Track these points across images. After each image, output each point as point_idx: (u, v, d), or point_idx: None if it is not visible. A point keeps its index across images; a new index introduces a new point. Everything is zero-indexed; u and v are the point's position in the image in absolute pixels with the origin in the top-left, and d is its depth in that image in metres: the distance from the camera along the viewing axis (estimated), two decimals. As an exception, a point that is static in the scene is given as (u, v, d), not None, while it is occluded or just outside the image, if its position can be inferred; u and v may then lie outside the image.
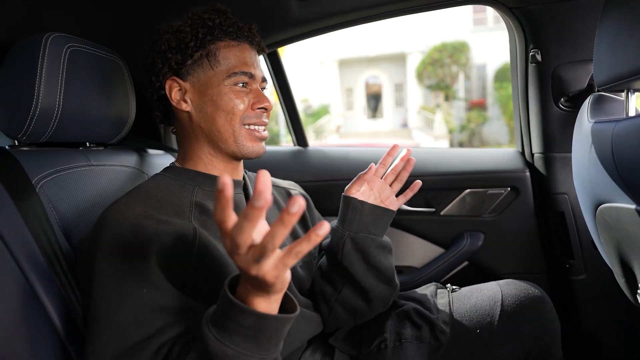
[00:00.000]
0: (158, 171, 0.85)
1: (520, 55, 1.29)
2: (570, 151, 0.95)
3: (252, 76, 0.79)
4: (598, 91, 0.88)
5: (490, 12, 14.50)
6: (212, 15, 0.78)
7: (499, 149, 1.56)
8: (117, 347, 0.57)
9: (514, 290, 0.90)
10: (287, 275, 0.50)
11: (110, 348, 0.57)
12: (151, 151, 1.17)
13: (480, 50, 14.87)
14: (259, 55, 0.86)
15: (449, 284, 1.00)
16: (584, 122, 0.87)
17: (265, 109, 0.80)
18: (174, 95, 0.79)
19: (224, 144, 0.78)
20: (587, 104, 0.89)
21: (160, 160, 1.15)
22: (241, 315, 0.50)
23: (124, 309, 0.59)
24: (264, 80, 0.84)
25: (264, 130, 0.82)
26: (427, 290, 0.99)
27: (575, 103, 1.23)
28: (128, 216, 0.64)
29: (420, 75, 16.43)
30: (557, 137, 1.28)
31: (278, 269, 0.46)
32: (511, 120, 10.12)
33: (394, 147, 0.91)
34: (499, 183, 1.40)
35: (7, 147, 0.81)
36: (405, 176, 0.91)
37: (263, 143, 0.82)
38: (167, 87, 0.79)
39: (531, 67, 1.26)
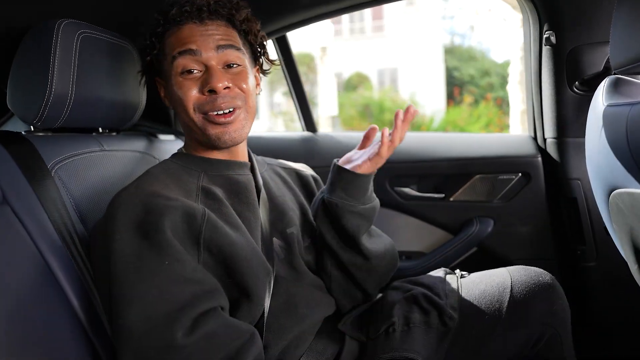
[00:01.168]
0: (168, 156, 0.86)
1: (534, 37, 1.26)
2: (583, 136, 0.94)
3: (194, 52, 0.72)
4: (614, 74, 0.87)
5: (345, 22, 13.91)
6: (165, 8, 0.75)
7: (511, 134, 1.54)
8: (147, 321, 0.58)
9: (524, 276, 0.90)
10: None
11: (140, 322, 0.58)
12: (162, 137, 1.19)
13: (336, 60, 14.29)
14: (234, 21, 0.77)
15: (457, 270, 1.00)
16: (598, 105, 0.85)
17: (215, 90, 0.71)
18: (162, 93, 0.83)
19: (197, 136, 0.77)
20: (602, 86, 0.87)
21: (171, 145, 1.17)
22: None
23: (149, 283, 0.60)
24: (224, 48, 0.74)
25: (231, 112, 0.74)
26: (436, 275, 0.99)
27: (591, 86, 1.20)
28: (139, 196, 0.66)
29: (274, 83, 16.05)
30: (570, 122, 1.26)
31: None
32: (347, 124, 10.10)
33: (372, 128, 0.92)
34: (509, 168, 1.39)
35: (23, 132, 0.83)
36: (401, 131, 0.84)
37: (233, 127, 0.74)
38: (157, 87, 0.83)
39: (545, 49, 1.23)
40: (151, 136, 1.13)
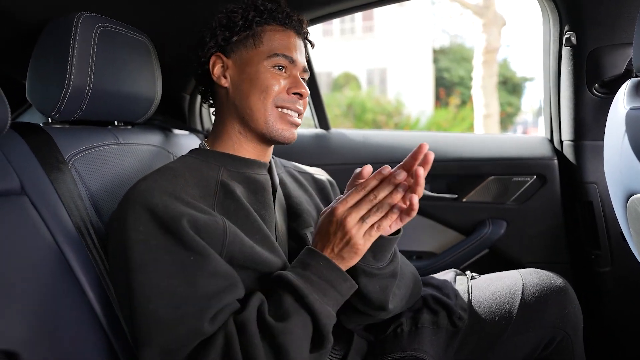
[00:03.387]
0: (183, 151, 0.86)
1: (554, 37, 1.24)
2: (602, 139, 0.92)
3: (292, 61, 0.80)
4: (636, 76, 0.85)
5: (336, 22, 13.87)
6: (265, 1, 0.82)
7: (527, 135, 1.51)
8: (177, 308, 0.59)
9: (536, 279, 0.89)
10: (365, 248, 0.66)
11: (171, 309, 0.59)
12: (176, 131, 1.19)
13: (326, 60, 14.25)
14: (305, 47, 0.87)
15: (468, 271, 1.00)
16: (619, 108, 0.83)
17: (301, 94, 0.80)
18: (216, 70, 0.82)
19: (254, 124, 0.79)
20: (623, 89, 0.85)
21: (185, 140, 1.17)
22: (343, 284, 0.66)
23: (178, 273, 0.61)
24: (305, 70, 0.84)
25: (298, 117, 0.82)
26: (445, 276, 0.99)
27: (611, 89, 1.18)
28: (157, 191, 0.66)
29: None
30: (589, 124, 1.24)
31: (369, 235, 0.64)
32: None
33: (422, 146, 0.65)
34: (524, 170, 1.37)
35: (41, 124, 0.84)
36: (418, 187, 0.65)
37: (294, 130, 0.82)
38: (211, 62, 0.82)
39: (565, 50, 1.21)
40: (166, 130, 1.14)
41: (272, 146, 0.85)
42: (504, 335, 0.84)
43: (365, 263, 0.71)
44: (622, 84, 0.87)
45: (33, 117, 1.27)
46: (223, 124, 0.82)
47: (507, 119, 13.47)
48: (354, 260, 0.67)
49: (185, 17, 1.09)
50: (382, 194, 0.63)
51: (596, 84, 1.19)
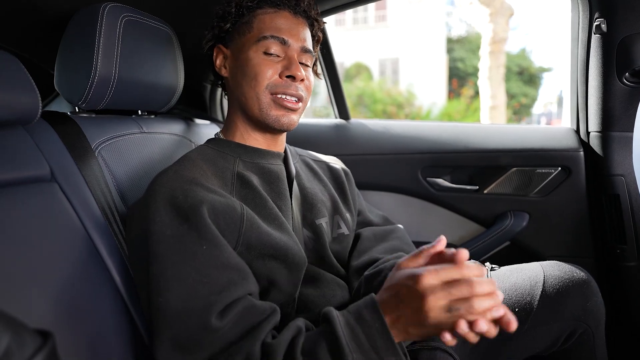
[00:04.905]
0: (204, 140, 0.87)
1: (583, 25, 1.20)
2: (631, 130, 0.89)
3: (284, 42, 0.77)
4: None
5: (348, 12, 13.86)
6: None
7: (552, 126, 1.48)
8: (186, 302, 0.60)
9: (558, 271, 0.88)
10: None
11: (180, 302, 0.60)
12: (198, 121, 1.21)
13: (338, 50, 13.91)
14: (313, 25, 0.84)
15: (487, 263, 0.99)
16: None
17: (294, 77, 0.77)
18: (218, 61, 0.83)
19: (250, 112, 0.79)
20: None
21: (207, 130, 1.19)
22: (390, 357, 0.55)
23: (189, 265, 0.62)
24: (305, 51, 0.80)
25: (297, 102, 0.79)
26: None
27: (642, 78, 1.14)
28: (178, 181, 0.67)
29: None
30: (617, 115, 1.20)
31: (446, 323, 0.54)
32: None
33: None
34: (549, 162, 1.34)
35: (68, 112, 0.86)
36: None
37: (293, 115, 0.79)
38: (214, 54, 0.84)
39: (594, 38, 1.17)
40: (187, 120, 1.16)
41: (283, 135, 0.84)
42: (524, 327, 0.83)
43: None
44: None
45: (60, 106, 1.30)
46: (230, 114, 0.84)
47: (522, 110, 13.19)
48: (415, 338, 0.58)
49: (206, 7, 1.10)
50: (479, 289, 0.53)
51: (627, 73, 1.14)
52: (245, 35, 0.79)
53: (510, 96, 12.68)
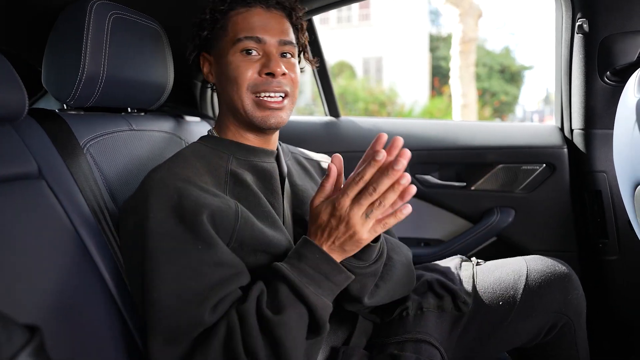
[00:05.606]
0: (194, 138, 0.88)
1: (566, 25, 1.23)
2: (612, 128, 0.92)
3: (259, 40, 0.76)
4: (648, 64, 0.84)
5: (332, 10, 14.45)
6: None
7: (537, 124, 1.51)
8: (179, 298, 0.61)
9: (540, 265, 0.90)
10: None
11: (175, 298, 0.61)
12: (188, 118, 1.21)
13: (322, 48, 13.98)
14: (291, 15, 0.82)
15: (473, 257, 1.01)
16: (630, 97, 0.83)
17: (273, 74, 0.76)
18: (205, 69, 0.84)
19: (238, 114, 0.79)
20: (634, 78, 0.85)
21: (197, 127, 1.19)
22: (338, 275, 0.66)
23: (183, 262, 0.63)
24: (285, 43, 0.79)
25: (282, 99, 0.78)
26: (451, 262, 1.00)
27: (623, 77, 1.17)
28: (172, 179, 0.68)
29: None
30: (599, 113, 1.23)
31: (374, 230, 0.65)
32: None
33: (379, 136, 0.70)
34: (534, 159, 1.37)
35: (56, 110, 0.86)
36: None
37: (280, 113, 0.78)
38: (200, 62, 0.84)
39: (577, 37, 1.20)
40: (177, 117, 1.16)
41: (275, 133, 0.85)
42: (508, 320, 0.85)
43: (347, 261, 0.70)
44: (633, 73, 0.86)
45: (48, 103, 1.29)
46: (221, 114, 0.85)
47: (504, 108, 13.38)
48: (354, 251, 0.67)
49: (195, 4, 1.10)
50: (381, 188, 0.62)
51: (608, 72, 1.18)
52: (222, 39, 0.79)
53: (491, 94, 12.86)
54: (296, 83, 0.81)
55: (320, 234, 0.67)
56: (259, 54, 0.77)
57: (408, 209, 0.64)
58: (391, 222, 0.64)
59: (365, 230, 0.64)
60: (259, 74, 0.76)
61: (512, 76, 13.72)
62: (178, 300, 0.61)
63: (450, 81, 7.32)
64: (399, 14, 13.50)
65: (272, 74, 0.76)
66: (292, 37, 0.81)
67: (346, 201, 0.64)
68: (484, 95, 12.61)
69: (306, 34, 0.88)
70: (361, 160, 0.70)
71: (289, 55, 0.80)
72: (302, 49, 0.89)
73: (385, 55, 13.87)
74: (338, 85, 11.12)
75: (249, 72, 0.76)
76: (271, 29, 0.78)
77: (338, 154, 0.72)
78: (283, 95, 0.78)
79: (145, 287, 0.62)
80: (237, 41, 0.76)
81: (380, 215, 0.64)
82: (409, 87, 12.55)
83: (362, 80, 12.20)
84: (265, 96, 0.77)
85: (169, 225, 0.64)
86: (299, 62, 0.88)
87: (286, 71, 0.78)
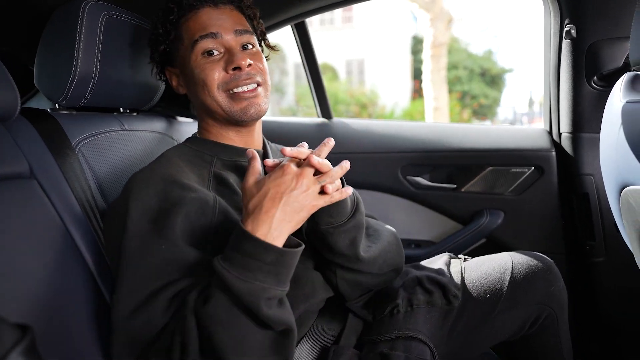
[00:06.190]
0: (186, 138, 0.88)
1: (555, 30, 1.25)
2: (599, 132, 0.94)
3: (215, 35, 0.76)
4: (633, 70, 0.86)
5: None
6: None
7: (525, 127, 1.53)
8: (138, 295, 0.62)
9: (525, 259, 0.93)
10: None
11: (132, 297, 0.62)
12: (180, 119, 1.21)
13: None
14: (240, 5, 0.82)
15: (461, 255, 1.03)
16: (616, 101, 0.85)
17: (239, 67, 0.75)
18: (174, 82, 0.85)
19: (215, 115, 0.80)
20: (620, 83, 0.87)
21: (189, 127, 1.19)
22: (265, 253, 0.57)
23: (145, 262, 0.63)
24: (241, 33, 0.78)
25: (255, 87, 0.78)
26: (440, 259, 1.01)
27: (609, 82, 1.19)
28: (154, 180, 0.69)
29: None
30: (587, 117, 1.25)
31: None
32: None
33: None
34: (523, 162, 1.39)
35: (48, 109, 0.86)
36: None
37: (257, 100, 0.78)
38: (168, 77, 0.85)
39: (565, 42, 1.22)
40: (170, 117, 1.16)
41: (256, 130, 0.85)
42: (495, 312, 0.87)
43: (323, 223, 0.70)
44: (620, 78, 0.88)
45: (40, 102, 1.28)
46: (200, 120, 0.85)
47: (484, 111, 13.54)
48: (304, 218, 0.63)
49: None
50: (302, 187, 0.62)
51: (595, 77, 1.20)
52: (180, 48, 0.80)
53: (471, 97, 13.00)
54: (265, 72, 0.81)
55: (258, 211, 0.60)
56: (220, 53, 0.77)
57: (349, 189, 0.67)
58: (336, 196, 0.65)
59: (316, 191, 0.63)
60: (226, 71, 0.76)
61: (492, 79, 13.89)
62: (137, 298, 0.61)
63: (423, 84, 7.47)
64: (382, 17, 13.61)
65: (238, 68, 0.76)
66: (247, 26, 0.82)
67: (293, 167, 0.63)
68: (464, 98, 12.76)
69: (261, 21, 0.88)
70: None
71: (250, 46, 0.80)
72: (261, 37, 0.88)
73: (367, 57, 13.99)
74: (319, 87, 11.24)
75: (216, 73, 0.76)
76: (224, 23, 0.78)
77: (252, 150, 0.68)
78: (255, 85, 0.78)
79: (115, 285, 0.64)
80: (194, 44, 0.76)
81: (329, 185, 0.64)
82: (391, 89, 12.67)
83: (344, 82, 12.26)
84: (237, 90, 0.77)
85: (141, 225, 0.65)
86: (262, 50, 0.88)
87: (251, 62, 0.77)
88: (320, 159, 0.64)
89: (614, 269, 1.26)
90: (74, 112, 0.89)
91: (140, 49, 0.93)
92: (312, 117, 1.64)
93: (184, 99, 1.47)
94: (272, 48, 0.92)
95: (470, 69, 13.45)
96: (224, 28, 0.77)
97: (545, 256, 0.94)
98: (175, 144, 1.04)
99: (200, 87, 0.77)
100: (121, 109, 1.00)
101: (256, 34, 0.86)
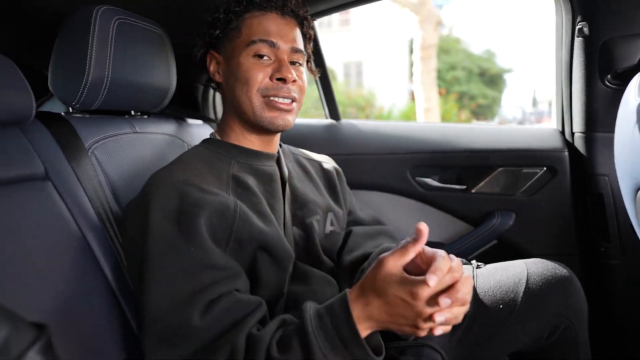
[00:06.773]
0: (196, 140, 0.89)
1: (566, 27, 1.23)
2: (613, 131, 0.92)
3: (273, 44, 0.78)
4: (648, 68, 0.85)
5: None
6: None
7: (537, 127, 1.51)
8: (172, 298, 0.62)
9: (541, 269, 0.90)
10: None
11: (166, 298, 0.62)
12: (190, 121, 1.22)
13: None
14: (302, 24, 0.85)
15: (474, 261, 1.01)
16: (631, 100, 0.84)
17: (285, 79, 0.78)
18: (212, 67, 0.85)
19: (245, 115, 0.80)
20: (635, 81, 0.85)
21: (199, 129, 1.20)
22: (355, 347, 0.57)
23: (176, 264, 0.64)
24: (296, 51, 0.81)
25: (291, 102, 0.80)
26: None
27: (623, 80, 1.17)
28: (173, 182, 0.69)
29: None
30: (600, 116, 1.23)
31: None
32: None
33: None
34: (534, 162, 1.37)
35: (62, 113, 0.87)
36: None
37: (287, 116, 0.80)
38: (207, 60, 0.85)
39: (577, 40, 1.20)
40: (180, 120, 1.17)
41: (277, 136, 0.86)
42: (508, 323, 0.85)
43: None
44: (634, 76, 0.87)
45: (54, 106, 1.31)
46: (225, 116, 0.85)
47: (483, 111, 13.40)
48: (391, 331, 0.62)
49: (198, 9, 1.11)
50: (462, 292, 0.59)
51: (608, 75, 1.18)
52: (234, 40, 0.80)
53: (470, 97, 12.89)
54: (303, 91, 0.83)
55: (373, 299, 0.59)
56: (270, 59, 0.79)
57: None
58: (438, 331, 0.60)
59: (425, 329, 0.59)
60: (270, 78, 0.78)
61: (491, 79, 13.76)
62: (168, 301, 0.62)
63: (413, 86, 7.48)
64: (379, 19, 13.64)
65: (283, 80, 0.78)
66: (302, 45, 0.84)
67: (427, 291, 0.56)
68: (462, 99, 12.68)
69: (312, 44, 0.91)
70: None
71: (297, 64, 0.82)
72: (308, 59, 0.90)
73: (365, 59, 14.01)
74: (316, 89, 11.29)
75: (260, 76, 0.77)
76: (285, 36, 0.80)
77: (424, 223, 0.62)
78: (291, 100, 0.80)
79: (140, 288, 0.64)
80: (250, 43, 0.78)
81: (444, 321, 0.58)
82: (388, 90, 12.70)
83: (341, 84, 12.29)
84: (275, 99, 0.78)
85: (165, 227, 0.65)
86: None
87: (296, 78, 0.80)
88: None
89: (630, 271, 1.24)
90: (87, 116, 0.90)
91: (151, 53, 0.94)
92: (320, 119, 1.64)
93: (193, 101, 1.49)
94: (313, 72, 0.94)
95: (468, 69, 13.38)
96: (283, 40, 0.79)
97: (563, 265, 0.92)
98: (186, 146, 1.05)
99: (240, 84, 0.78)
100: (132, 112, 1.02)
101: (307, 54, 0.88)
